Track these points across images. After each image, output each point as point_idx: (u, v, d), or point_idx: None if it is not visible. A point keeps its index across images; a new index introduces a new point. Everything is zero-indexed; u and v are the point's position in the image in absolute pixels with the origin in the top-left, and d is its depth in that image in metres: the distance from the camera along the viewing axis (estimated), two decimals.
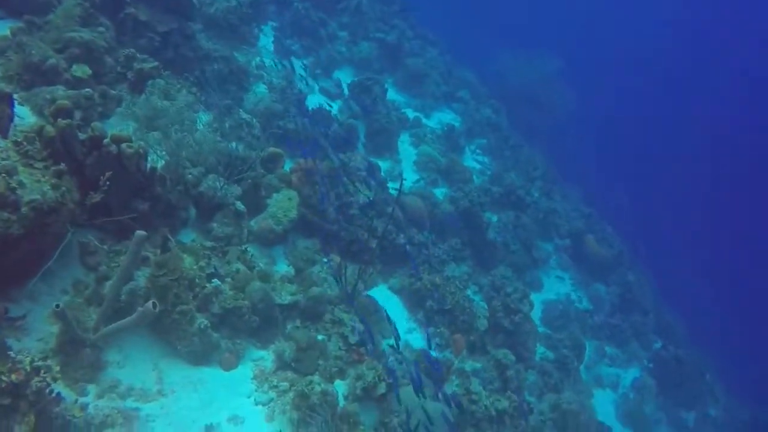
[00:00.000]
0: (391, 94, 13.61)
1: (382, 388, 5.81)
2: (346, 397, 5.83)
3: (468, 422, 6.64)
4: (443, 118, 14.86)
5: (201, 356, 5.26)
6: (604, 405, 10.83)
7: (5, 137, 4.75)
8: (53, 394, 3.86)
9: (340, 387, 5.88)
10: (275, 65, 10.43)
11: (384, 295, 8.14)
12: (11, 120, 5.00)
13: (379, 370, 5.87)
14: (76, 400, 4.22)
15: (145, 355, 4.99)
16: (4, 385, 3.49)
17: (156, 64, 7.14)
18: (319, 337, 6.25)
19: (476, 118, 15.43)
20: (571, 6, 34.10)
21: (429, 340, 7.78)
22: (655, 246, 18.38)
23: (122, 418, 4.40)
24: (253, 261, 6.31)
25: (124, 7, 7.48)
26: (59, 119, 4.88)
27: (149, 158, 5.49)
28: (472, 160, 14.14)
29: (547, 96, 17.99)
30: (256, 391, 5.39)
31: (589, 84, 22.33)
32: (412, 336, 7.93)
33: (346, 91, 12.30)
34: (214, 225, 6.31)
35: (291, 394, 5.35)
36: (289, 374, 5.64)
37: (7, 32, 6.30)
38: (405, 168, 11.59)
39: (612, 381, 11.70)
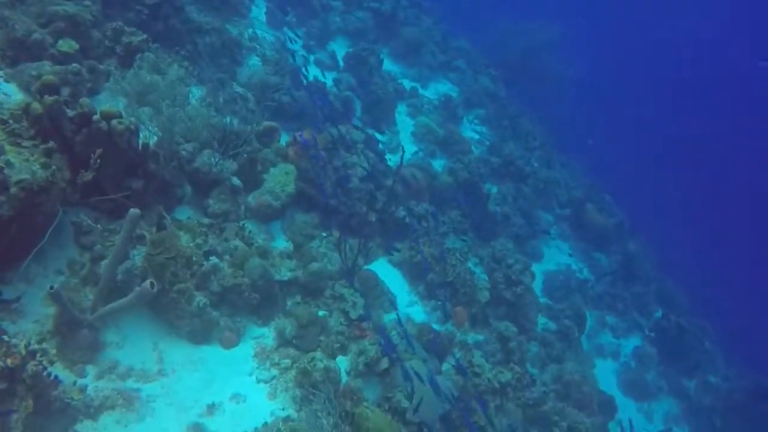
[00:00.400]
0: (387, 65, 13.36)
1: (384, 363, 5.78)
2: (348, 373, 5.79)
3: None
4: (440, 88, 14.62)
5: (201, 335, 5.19)
6: (605, 374, 10.87)
7: None
8: (51, 377, 3.79)
9: (342, 363, 5.84)
10: (268, 37, 10.18)
11: (384, 269, 8.07)
12: None
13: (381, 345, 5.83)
14: (75, 382, 4.15)
15: (144, 335, 4.92)
16: None
17: (144, 37, 6.93)
18: (320, 313, 6.18)
19: (474, 88, 15.19)
20: None
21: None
22: (657, 215, 18.33)
23: (122, 399, 4.35)
24: (252, 237, 6.20)
25: None
26: (46, 96, 4.73)
27: (141, 134, 5.34)
28: (470, 131, 13.96)
29: (545, 65, 17.68)
30: (257, 368, 5.33)
31: (589, 52, 21.96)
32: (413, 309, 7.88)
33: (341, 63, 12.06)
34: (211, 201, 6.18)
35: (293, 372, 5.30)
36: (291, 351, 5.58)
37: None
38: (403, 140, 11.42)
39: (613, 350, 11.73)
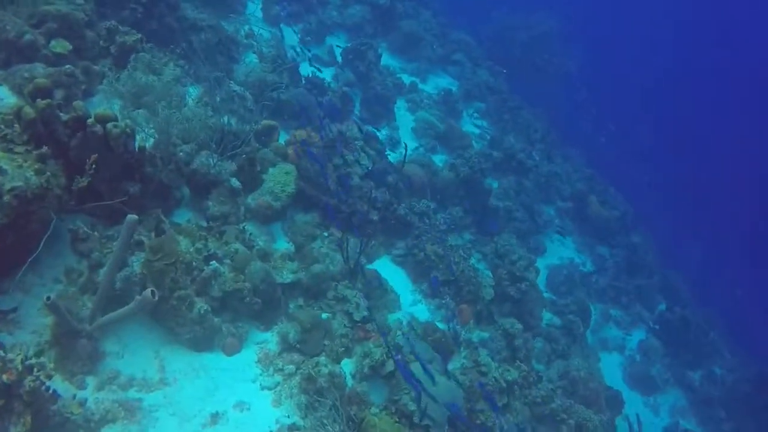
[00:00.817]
0: (386, 59, 13.19)
1: (390, 366, 5.68)
2: (353, 376, 5.69)
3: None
4: (440, 82, 14.47)
5: (203, 342, 5.08)
6: (610, 368, 10.79)
7: None
8: (49, 392, 3.68)
9: (347, 365, 5.74)
10: (265, 33, 10.03)
11: (387, 267, 7.97)
12: None
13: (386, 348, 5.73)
14: (74, 396, 4.04)
15: (145, 344, 4.81)
16: None
17: (139, 36, 6.78)
18: (324, 316, 6.08)
19: (474, 82, 15.02)
20: None
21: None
22: (661, 208, 18.21)
23: (124, 411, 4.24)
24: (252, 239, 6.08)
25: None
26: (39, 99, 4.60)
27: (137, 137, 5.21)
28: (470, 125, 13.82)
29: (545, 57, 17.51)
30: (261, 375, 5.22)
31: (590, 45, 21.73)
32: (417, 308, 7.78)
33: (339, 58, 11.90)
34: (210, 204, 6.05)
35: (297, 378, 5.20)
36: (295, 356, 5.47)
37: None
38: (403, 135, 11.29)
39: (618, 344, 11.65)
